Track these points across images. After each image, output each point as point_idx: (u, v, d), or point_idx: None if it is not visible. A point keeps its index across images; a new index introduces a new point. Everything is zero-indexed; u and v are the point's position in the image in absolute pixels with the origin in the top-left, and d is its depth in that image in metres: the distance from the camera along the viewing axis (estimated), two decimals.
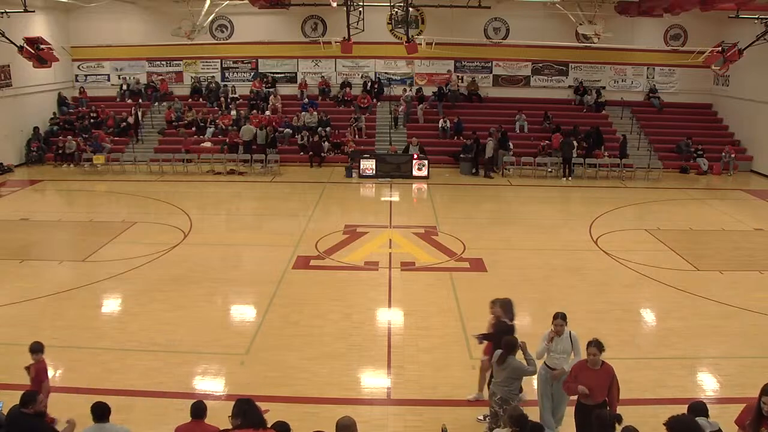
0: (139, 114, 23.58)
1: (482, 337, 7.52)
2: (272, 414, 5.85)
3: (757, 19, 18.11)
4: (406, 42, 19.84)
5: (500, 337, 6.91)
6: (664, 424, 4.86)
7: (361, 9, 19.79)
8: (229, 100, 24.87)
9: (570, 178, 21.18)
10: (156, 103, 25.09)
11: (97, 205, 18.28)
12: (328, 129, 23.51)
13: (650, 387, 8.23)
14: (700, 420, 5.38)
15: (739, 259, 13.57)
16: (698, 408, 5.59)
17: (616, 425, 5.47)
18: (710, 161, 22.52)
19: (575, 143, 21.61)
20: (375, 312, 10.70)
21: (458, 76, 25.44)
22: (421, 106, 24.35)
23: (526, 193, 19.69)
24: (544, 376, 7.00)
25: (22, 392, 5.78)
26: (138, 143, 23.15)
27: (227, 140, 22.34)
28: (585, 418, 6.14)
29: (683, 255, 13.60)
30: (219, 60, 25.82)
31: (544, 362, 7.04)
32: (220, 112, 24.28)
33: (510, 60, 25.50)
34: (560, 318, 6.93)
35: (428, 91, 25.16)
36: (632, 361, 8.92)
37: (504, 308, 7.46)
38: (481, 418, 7.36)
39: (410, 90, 24.84)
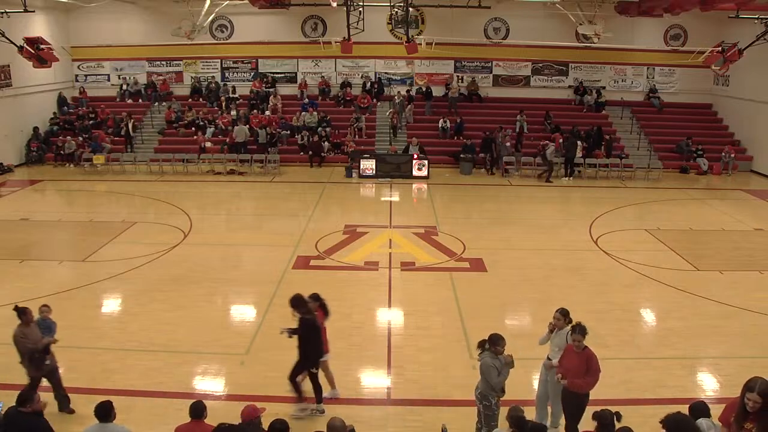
0: (130, 125, 23.04)
1: (289, 332, 7.56)
2: (272, 414, 5.85)
3: (757, 19, 18.11)
4: (406, 42, 19.84)
5: (303, 332, 7.24)
6: (661, 422, 4.88)
7: (361, 9, 19.79)
8: (228, 100, 24.87)
9: (571, 178, 21.16)
10: (156, 103, 25.10)
11: (97, 205, 18.27)
12: (328, 129, 23.50)
13: (650, 387, 8.23)
14: (705, 421, 5.37)
15: (739, 259, 13.57)
16: (700, 408, 5.58)
17: (615, 423, 5.48)
18: (710, 161, 22.52)
19: (578, 143, 21.58)
20: (375, 312, 10.70)
21: (458, 77, 25.47)
22: (409, 107, 24.25)
23: (526, 193, 19.68)
24: (546, 364, 7.18)
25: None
26: (130, 154, 22.69)
27: (227, 140, 22.35)
28: (566, 399, 6.65)
29: (683, 255, 13.61)
30: (219, 60, 25.83)
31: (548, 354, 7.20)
32: (220, 112, 24.28)
33: (510, 60, 25.51)
34: (558, 312, 7.03)
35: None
36: (632, 361, 8.93)
37: (295, 305, 7.58)
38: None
39: (400, 96, 24.35)
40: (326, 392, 7.78)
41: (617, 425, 5.47)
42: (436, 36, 21.48)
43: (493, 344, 6.48)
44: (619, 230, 15.53)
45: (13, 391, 6.51)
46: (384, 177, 20.83)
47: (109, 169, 21.61)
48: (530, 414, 6.72)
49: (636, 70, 25.65)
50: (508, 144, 21.82)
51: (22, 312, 7.23)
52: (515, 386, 7.37)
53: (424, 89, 24.99)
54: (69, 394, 7.80)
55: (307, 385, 7.65)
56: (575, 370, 6.46)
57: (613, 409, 5.61)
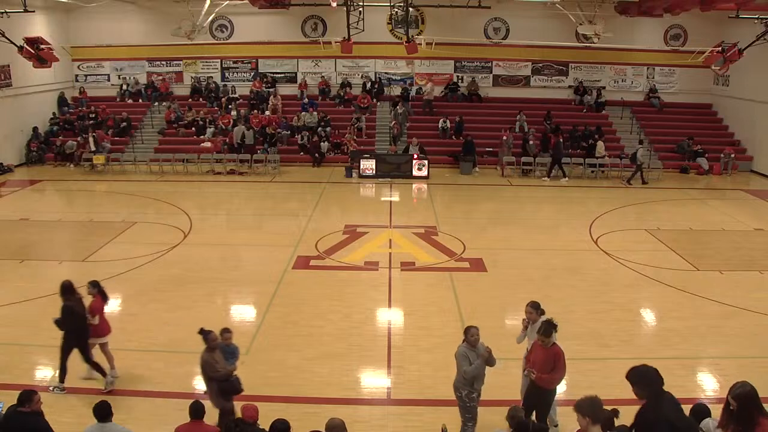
0: (96, 139, 22.07)
1: (56, 321, 7.89)
2: (272, 414, 5.85)
3: (757, 19, 18.09)
4: (406, 42, 19.83)
5: (63, 317, 7.59)
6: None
7: (361, 9, 19.79)
8: (229, 100, 24.87)
9: (567, 178, 21.11)
10: (156, 103, 25.10)
11: (97, 205, 18.27)
12: (328, 129, 23.50)
13: None
14: (711, 421, 5.36)
15: (739, 259, 13.57)
16: (701, 410, 5.57)
17: (614, 420, 5.47)
18: (710, 161, 22.51)
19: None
20: (375, 312, 10.70)
21: (459, 77, 25.45)
22: (400, 109, 24.00)
23: (526, 193, 19.69)
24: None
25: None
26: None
27: (227, 140, 22.35)
28: (531, 391, 6.72)
29: (683, 255, 13.61)
30: (219, 60, 25.82)
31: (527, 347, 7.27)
32: (219, 112, 24.28)
33: (510, 60, 25.50)
34: (529, 306, 7.13)
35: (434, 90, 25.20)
36: (632, 361, 8.80)
37: (61, 291, 8.02)
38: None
39: (402, 107, 23.94)
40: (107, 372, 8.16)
41: (616, 422, 5.46)
42: (436, 36, 21.44)
43: (464, 334, 6.62)
44: (619, 230, 15.53)
45: (13, 391, 6.52)
46: (384, 177, 20.82)
47: (109, 169, 21.61)
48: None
49: (636, 70, 25.64)
50: (531, 143, 21.82)
51: (207, 335, 6.72)
52: (514, 387, 7.39)
53: (402, 92, 25.03)
54: (69, 394, 7.81)
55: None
56: (541, 366, 6.53)
57: (609, 407, 5.61)
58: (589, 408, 4.71)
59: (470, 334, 6.57)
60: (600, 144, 21.95)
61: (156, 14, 24.42)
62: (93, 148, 21.74)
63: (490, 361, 6.58)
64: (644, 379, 4.94)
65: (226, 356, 6.95)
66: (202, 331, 6.79)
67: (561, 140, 21.41)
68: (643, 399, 4.92)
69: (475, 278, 12.25)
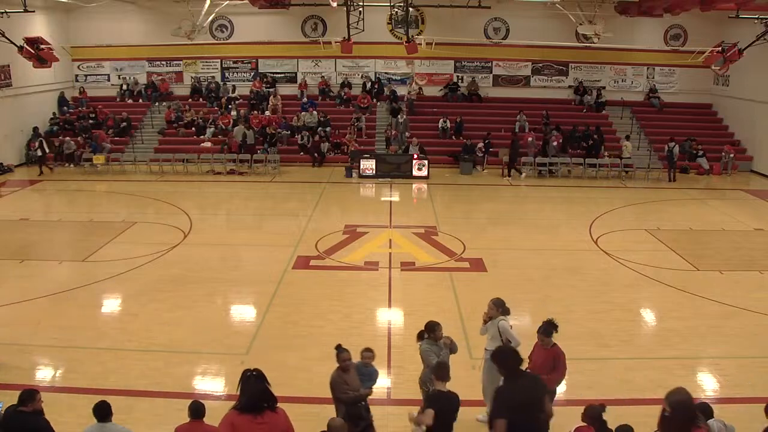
0: (45, 145, 21.43)
1: None
2: None
3: (757, 19, 18.10)
4: (406, 42, 19.84)
5: None
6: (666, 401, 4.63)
7: (361, 9, 19.79)
8: (229, 100, 24.86)
9: (510, 177, 21.20)
10: (156, 103, 25.10)
11: (97, 205, 18.27)
12: (328, 129, 23.50)
13: (650, 387, 8.21)
14: (715, 422, 5.35)
15: (739, 259, 13.57)
16: (704, 410, 5.55)
17: (602, 414, 5.51)
18: (710, 161, 22.51)
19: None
20: (375, 312, 10.70)
21: (418, 85, 25.45)
22: (401, 118, 23.85)
23: (525, 193, 19.69)
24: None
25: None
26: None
27: (227, 140, 22.34)
28: None
29: (683, 255, 13.60)
30: (219, 60, 25.83)
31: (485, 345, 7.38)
32: (219, 112, 24.28)
33: (510, 60, 25.51)
34: (491, 302, 7.22)
35: (428, 90, 25.20)
36: (632, 361, 8.94)
37: None
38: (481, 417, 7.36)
39: (404, 114, 23.76)
40: None
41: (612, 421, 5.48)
42: (436, 36, 21.43)
43: (431, 331, 6.67)
44: (619, 230, 15.53)
45: (13, 391, 6.51)
46: (384, 177, 20.82)
47: (109, 169, 21.60)
48: None
49: (636, 70, 25.65)
50: (554, 144, 21.80)
51: (339, 354, 6.27)
52: None
53: (389, 94, 25.05)
54: (69, 394, 7.81)
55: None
56: (541, 366, 6.54)
57: (598, 404, 5.65)
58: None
59: (437, 330, 6.69)
60: (627, 144, 21.98)
61: (156, 14, 24.41)
62: (39, 153, 21.31)
63: (452, 348, 6.75)
64: (506, 361, 5.31)
65: (362, 378, 6.39)
66: (338, 348, 6.31)
67: (517, 140, 21.71)
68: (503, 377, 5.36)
69: (475, 278, 12.25)
